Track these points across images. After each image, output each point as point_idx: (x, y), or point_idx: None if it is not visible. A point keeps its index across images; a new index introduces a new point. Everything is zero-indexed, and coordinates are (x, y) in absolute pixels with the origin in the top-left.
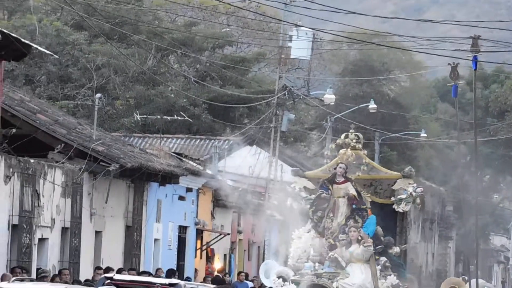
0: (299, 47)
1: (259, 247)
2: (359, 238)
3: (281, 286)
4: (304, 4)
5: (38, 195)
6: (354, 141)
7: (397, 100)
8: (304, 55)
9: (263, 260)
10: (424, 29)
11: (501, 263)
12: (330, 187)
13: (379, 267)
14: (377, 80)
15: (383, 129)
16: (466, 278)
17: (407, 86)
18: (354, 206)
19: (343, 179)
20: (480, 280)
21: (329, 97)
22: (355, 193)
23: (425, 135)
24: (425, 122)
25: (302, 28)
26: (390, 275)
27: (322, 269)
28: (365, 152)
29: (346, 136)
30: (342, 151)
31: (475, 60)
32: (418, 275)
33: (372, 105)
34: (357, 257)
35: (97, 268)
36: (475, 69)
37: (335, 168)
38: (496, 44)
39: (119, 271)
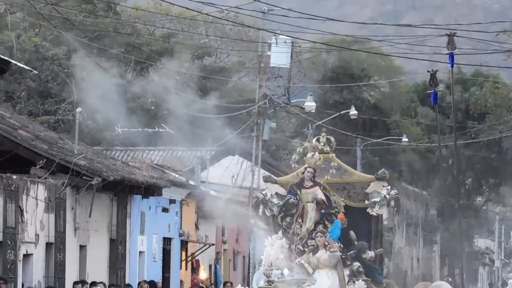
0: (278, 56)
1: (244, 256)
2: (326, 243)
3: None
4: (282, 12)
5: (22, 211)
6: (322, 144)
7: (378, 106)
8: (283, 63)
9: (249, 270)
10: (402, 34)
11: (486, 265)
12: (298, 192)
13: (347, 272)
14: (357, 86)
15: (365, 135)
16: (450, 279)
17: (387, 92)
18: (323, 211)
19: (311, 184)
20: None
21: (310, 104)
22: (323, 197)
23: (407, 139)
24: (406, 126)
25: (281, 36)
26: (358, 280)
27: (291, 276)
28: (334, 155)
29: (318, 140)
30: (309, 155)
31: (451, 57)
32: (404, 279)
33: (353, 111)
34: (324, 263)
35: (75, 283)
36: (452, 66)
37: (303, 173)
38: (474, 46)
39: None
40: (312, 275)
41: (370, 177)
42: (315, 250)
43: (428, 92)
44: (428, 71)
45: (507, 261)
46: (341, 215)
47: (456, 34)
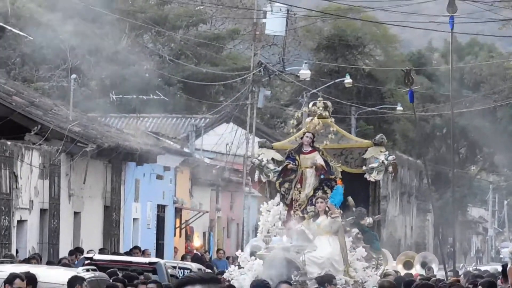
0: (274, 23)
1: (238, 224)
2: (326, 209)
3: (248, 261)
4: None
5: (16, 177)
6: (321, 108)
7: (372, 74)
8: (278, 31)
9: (243, 237)
10: (398, 2)
11: (480, 234)
12: (297, 157)
13: (350, 239)
14: (352, 54)
15: (359, 103)
16: (452, 249)
17: (382, 60)
18: (322, 176)
19: (310, 149)
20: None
21: (305, 72)
22: (323, 163)
23: (401, 108)
24: (401, 95)
25: (276, 4)
26: (359, 247)
27: (290, 243)
28: (333, 120)
29: (314, 104)
30: (308, 119)
31: (452, 19)
32: (397, 248)
33: (347, 80)
34: (324, 229)
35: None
36: (452, 28)
37: (301, 138)
38: (469, 15)
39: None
40: (313, 241)
41: (367, 143)
42: (315, 216)
43: (403, 90)
44: (402, 70)
45: (501, 230)
46: (339, 181)
47: None
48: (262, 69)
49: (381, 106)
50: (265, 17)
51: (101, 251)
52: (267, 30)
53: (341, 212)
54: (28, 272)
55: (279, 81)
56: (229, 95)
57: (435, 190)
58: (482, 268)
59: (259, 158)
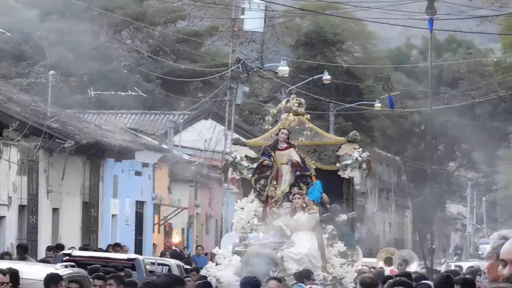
0: (252, 20)
1: (216, 220)
2: (304, 205)
3: (225, 258)
4: None
5: None
6: (296, 105)
7: (351, 71)
8: (257, 28)
9: (221, 233)
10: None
11: (458, 230)
12: (273, 153)
13: (326, 236)
14: (330, 51)
15: (338, 100)
16: (434, 246)
17: (360, 57)
18: (298, 173)
19: (286, 145)
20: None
21: (283, 69)
22: (298, 159)
23: (380, 105)
24: (379, 92)
25: (254, 0)
26: (337, 243)
27: (266, 239)
28: (308, 116)
29: (288, 101)
30: (284, 116)
31: (431, 21)
32: (376, 244)
33: (326, 76)
34: (302, 225)
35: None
36: (431, 30)
37: (277, 134)
38: (448, 12)
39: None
40: (290, 238)
41: (341, 140)
42: (292, 212)
43: (381, 97)
44: (380, 75)
45: (479, 226)
46: (313, 178)
47: None
48: (240, 66)
49: (359, 103)
50: (243, 14)
51: (85, 248)
52: (245, 27)
53: (317, 208)
54: (11, 268)
55: (258, 78)
56: (207, 92)
57: (414, 186)
58: (466, 264)
59: (233, 155)
